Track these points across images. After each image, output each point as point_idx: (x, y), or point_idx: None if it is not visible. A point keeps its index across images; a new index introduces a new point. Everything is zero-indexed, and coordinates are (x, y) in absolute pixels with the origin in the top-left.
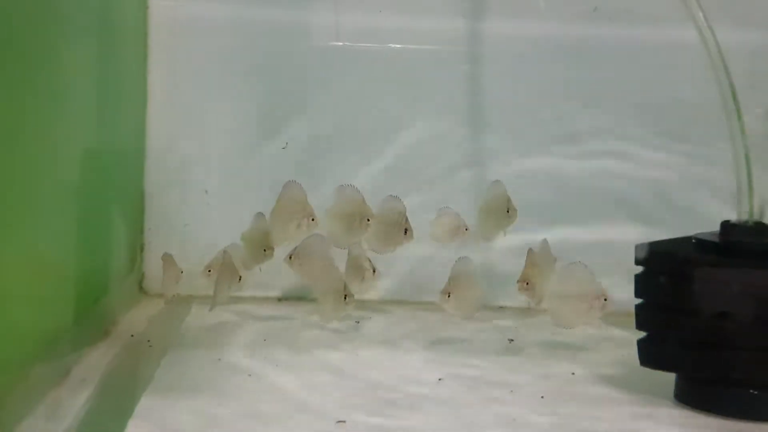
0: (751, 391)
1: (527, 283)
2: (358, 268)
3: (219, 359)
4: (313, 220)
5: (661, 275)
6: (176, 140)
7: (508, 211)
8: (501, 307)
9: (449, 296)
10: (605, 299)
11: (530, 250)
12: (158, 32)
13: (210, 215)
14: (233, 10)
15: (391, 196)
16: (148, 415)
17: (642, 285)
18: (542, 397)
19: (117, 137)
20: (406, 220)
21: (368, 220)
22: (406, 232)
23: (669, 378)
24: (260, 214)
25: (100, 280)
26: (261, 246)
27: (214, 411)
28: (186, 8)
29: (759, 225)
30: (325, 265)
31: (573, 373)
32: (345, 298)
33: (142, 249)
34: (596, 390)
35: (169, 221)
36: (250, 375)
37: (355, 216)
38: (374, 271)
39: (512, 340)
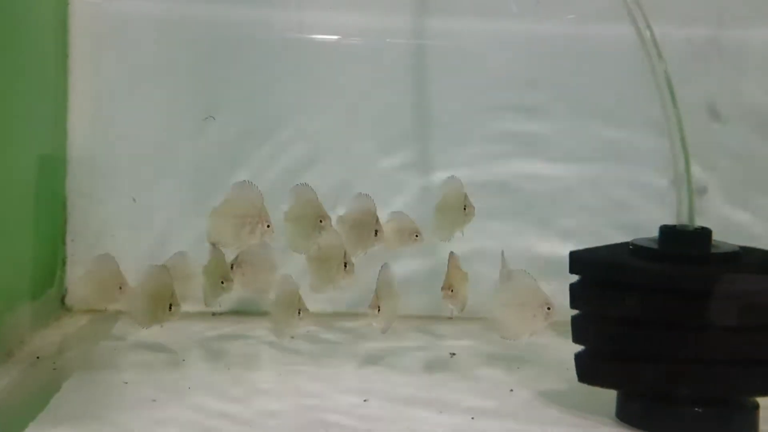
0: (696, 408)
1: (451, 290)
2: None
3: (126, 383)
4: (268, 226)
5: (596, 285)
6: (100, 145)
7: (465, 209)
8: (449, 318)
9: (378, 310)
10: (549, 308)
11: (451, 254)
12: (80, 31)
13: (138, 223)
14: (160, 7)
15: (360, 194)
16: None
17: (577, 295)
18: (472, 418)
19: (33, 141)
20: (377, 220)
21: (321, 221)
22: (376, 234)
23: (612, 395)
24: (215, 248)
25: (2, 296)
26: (219, 278)
27: None
28: (109, 6)
29: (699, 230)
30: (270, 277)
31: (511, 390)
32: (299, 312)
33: (63, 262)
34: (533, 409)
35: (94, 231)
36: (154, 401)
37: (312, 218)
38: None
39: (454, 354)
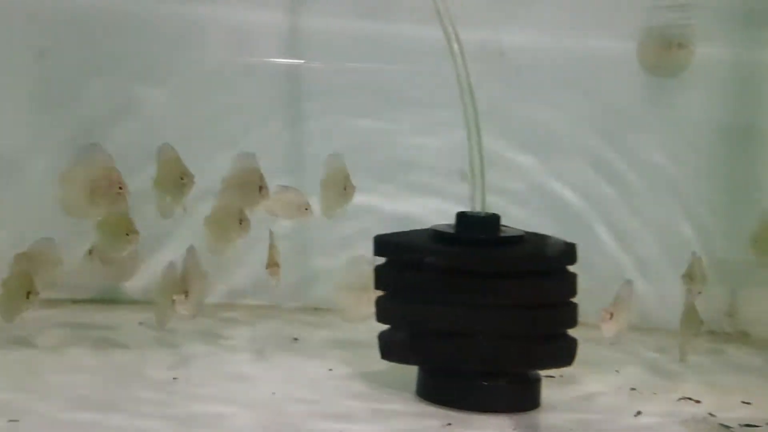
0: (483, 382)
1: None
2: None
3: None
4: (121, 188)
5: (399, 266)
6: None
7: (345, 189)
8: (316, 309)
9: (186, 296)
10: None
11: (271, 232)
12: None
13: None
14: None
15: (242, 153)
16: None
17: (381, 276)
18: (273, 393)
19: None
20: (262, 177)
21: (182, 179)
22: (261, 190)
23: None
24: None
25: None
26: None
27: None
28: None
29: (490, 216)
30: (132, 263)
31: (330, 370)
32: (186, 296)
33: None
34: (345, 386)
35: None
36: None
37: (177, 178)
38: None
39: (297, 339)
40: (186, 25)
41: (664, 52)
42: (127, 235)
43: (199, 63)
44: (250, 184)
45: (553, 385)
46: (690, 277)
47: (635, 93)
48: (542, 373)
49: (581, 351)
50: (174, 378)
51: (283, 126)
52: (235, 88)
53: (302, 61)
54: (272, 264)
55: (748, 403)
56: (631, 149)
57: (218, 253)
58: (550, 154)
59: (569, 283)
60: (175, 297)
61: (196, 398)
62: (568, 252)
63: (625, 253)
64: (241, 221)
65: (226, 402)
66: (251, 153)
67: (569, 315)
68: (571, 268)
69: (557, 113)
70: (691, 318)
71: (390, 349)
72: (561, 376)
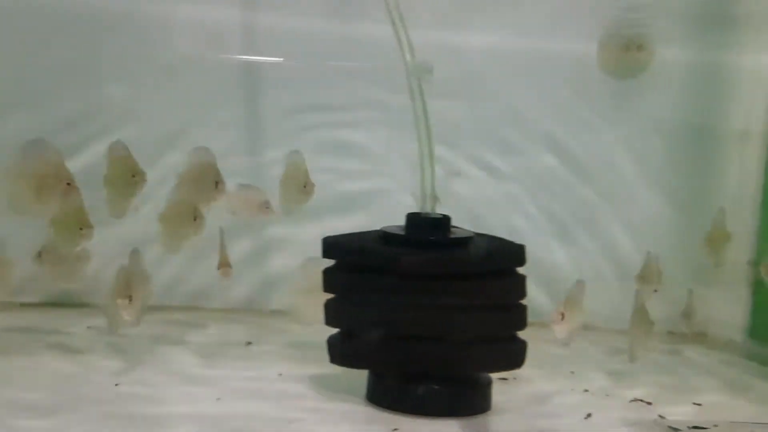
0: (434, 386)
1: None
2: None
3: None
4: (69, 185)
5: (348, 269)
6: None
7: (305, 187)
8: (273, 311)
9: (130, 301)
10: None
11: (222, 231)
12: None
13: None
14: None
15: (197, 147)
16: None
17: (330, 279)
18: (218, 399)
19: None
20: (218, 172)
21: (133, 176)
22: (217, 186)
23: None
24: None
25: None
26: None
27: None
28: None
29: (441, 217)
30: (78, 265)
31: (280, 374)
32: (130, 300)
33: None
34: (294, 391)
35: None
36: None
37: (129, 175)
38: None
39: (250, 343)
40: (141, 22)
41: (623, 55)
42: (81, 229)
43: (157, 59)
44: (205, 179)
45: (506, 388)
46: (643, 277)
47: (594, 95)
48: (496, 375)
49: (539, 352)
50: (116, 384)
51: (241, 123)
52: (191, 85)
53: (261, 58)
54: (224, 264)
55: (699, 405)
56: (589, 150)
57: (173, 251)
58: (503, 155)
59: (519, 285)
60: (119, 302)
61: (138, 404)
62: (518, 254)
63: (580, 253)
64: (195, 218)
65: (168, 409)
66: (206, 147)
67: (519, 317)
68: (521, 270)
69: (516, 115)
70: (641, 318)
71: (338, 353)
72: (515, 378)
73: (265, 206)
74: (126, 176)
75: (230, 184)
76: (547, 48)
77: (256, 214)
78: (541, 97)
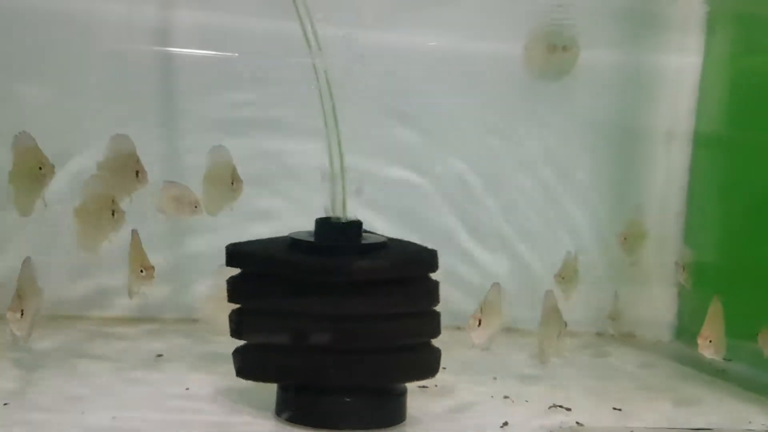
0: (345, 398)
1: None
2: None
3: None
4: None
5: (254, 278)
6: None
7: (233, 184)
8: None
9: (22, 314)
10: None
11: (134, 232)
12: None
13: None
14: None
15: (116, 135)
16: None
17: (235, 289)
18: (114, 417)
19: None
20: (138, 161)
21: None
22: (138, 176)
23: None
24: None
25: None
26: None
27: None
28: None
29: (351, 222)
30: None
31: (187, 389)
32: (22, 314)
33: None
34: (200, 408)
35: None
36: None
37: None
38: None
39: (161, 355)
40: (58, 17)
41: (548, 56)
42: None
43: (73, 54)
44: (125, 169)
45: (425, 396)
46: (562, 276)
47: (521, 95)
48: (416, 383)
49: (463, 357)
50: (5, 404)
51: (160, 117)
52: (109, 78)
53: (178, 50)
54: (146, 267)
55: (618, 410)
56: (514, 150)
57: (89, 249)
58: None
59: (431, 291)
60: (8, 315)
61: (25, 425)
62: (429, 259)
63: (505, 256)
64: (113, 212)
65: (57, 430)
66: (126, 135)
67: (432, 324)
68: (434, 276)
69: (443, 116)
70: (552, 319)
71: (245, 366)
72: (436, 386)
73: (194, 205)
74: (32, 169)
75: (157, 181)
76: (472, 48)
77: (185, 214)
78: (466, 98)
